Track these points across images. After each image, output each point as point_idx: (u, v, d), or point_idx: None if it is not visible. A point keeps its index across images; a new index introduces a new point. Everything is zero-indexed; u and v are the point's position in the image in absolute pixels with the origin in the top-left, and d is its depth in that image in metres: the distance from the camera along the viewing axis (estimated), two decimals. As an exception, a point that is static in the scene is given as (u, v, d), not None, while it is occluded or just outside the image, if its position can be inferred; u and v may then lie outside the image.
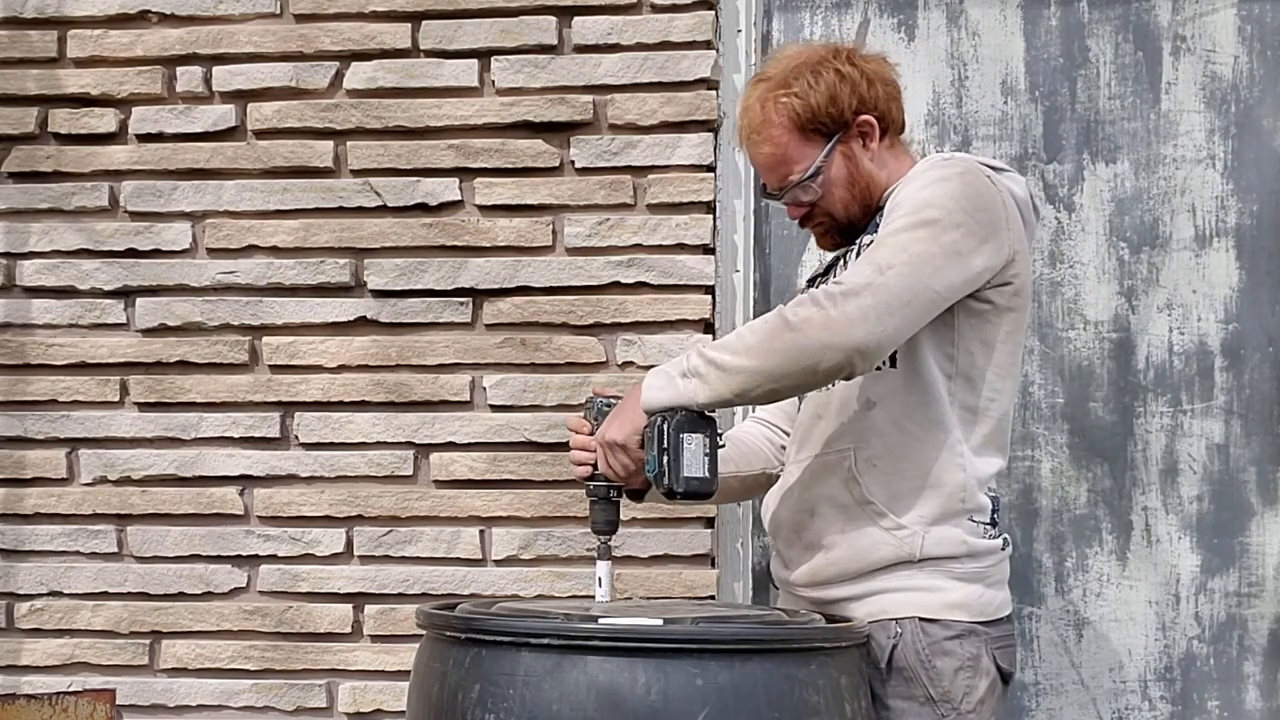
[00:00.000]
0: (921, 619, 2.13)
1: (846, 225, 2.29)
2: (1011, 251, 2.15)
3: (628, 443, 2.12)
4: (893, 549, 2.15)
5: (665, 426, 2.08)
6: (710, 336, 2.90)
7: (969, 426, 2.18)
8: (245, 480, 3.00)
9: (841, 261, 2.31)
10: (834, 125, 2.23)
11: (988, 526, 2.19)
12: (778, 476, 2.41)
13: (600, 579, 2.22)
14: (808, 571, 2.24)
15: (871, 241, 2.17)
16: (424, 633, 2.13)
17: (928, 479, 2.15)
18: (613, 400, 2.22)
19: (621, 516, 2.25)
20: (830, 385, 2.21)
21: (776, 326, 2.04)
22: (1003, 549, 2.21)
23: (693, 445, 2.08)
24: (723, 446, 2.16)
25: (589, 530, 2.24)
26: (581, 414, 2.28)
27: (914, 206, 2.10)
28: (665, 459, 2.07)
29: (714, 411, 2.13)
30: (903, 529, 2.15)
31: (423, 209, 2.98)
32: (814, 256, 2.99)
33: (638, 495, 2.25)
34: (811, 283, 2.40)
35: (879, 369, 2.17)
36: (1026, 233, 2.21)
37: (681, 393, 2.08)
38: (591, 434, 2.22)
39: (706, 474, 2.10)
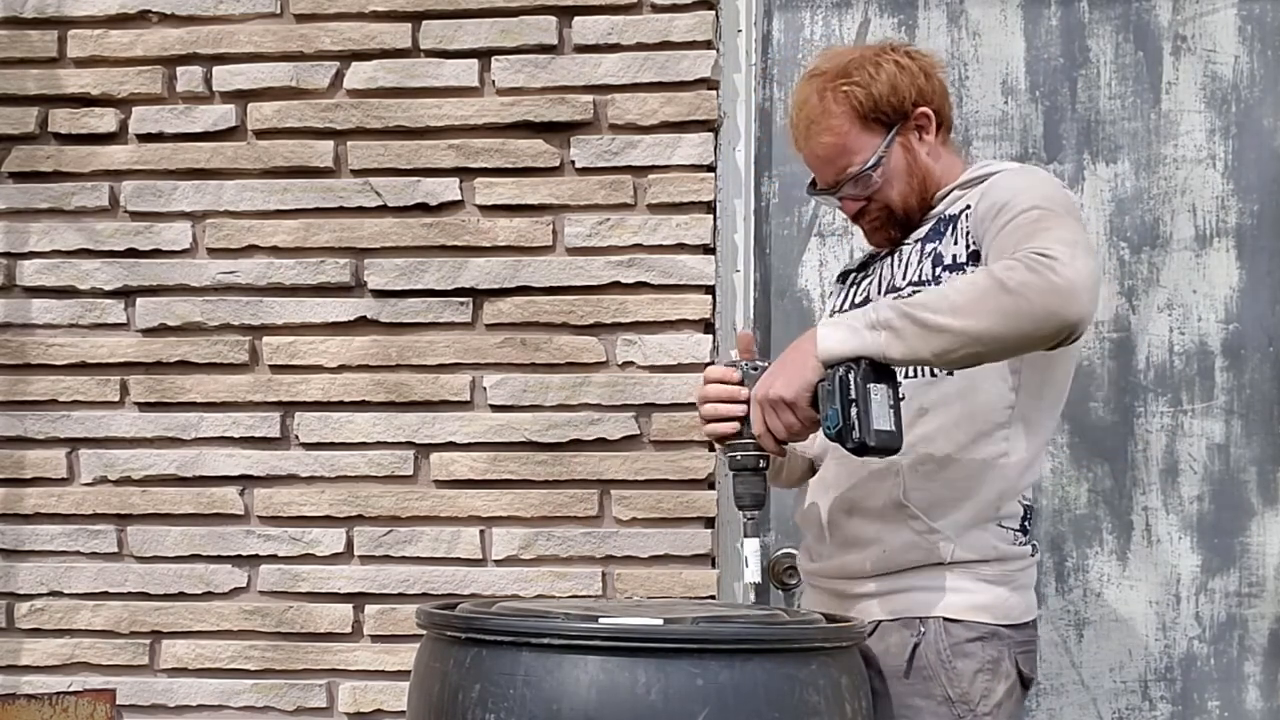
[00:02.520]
0: (946, 619, 2.13)
1: (903, 218, 2.26)
2: None
3: (797, 399, 2.01)
4: (924, 553, 2.15)
5: (851, 377, 1.95)
6: (710, 337, 2.90)
7: (1023, 439, 2.17)
8: (245, 480, 3.00)
9: (891, 260, 2.27)
10: (894, 115, 2.22)
11: (1017, 533, 2.18)
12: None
13: (746, 559, 2.09)
14: (839, 566, 2.23)
15: (928, 241, 2.17)
16: (424, 632, 2.12)
17: (969, 488, 2.15)
18: (760, 364, 2.07)
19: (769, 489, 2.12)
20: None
21: (989, 288, 1.94)
22: (1031, 555, 2.21)
23: (879, 396, 1.97)
24: (904, 399, 2.06)
25: (737, 505, 2.07)
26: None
27: (1032, 200, 2.05)
28: (854, 410, 1.95)
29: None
30: (935, 533, 2.15)
31: (423, 209, 2.98)
32: (814, 256, 2.99)
33: (758, 471, 2.09)
34: (844, 279, 2.38)
35: (934, 375, 2.15)
36: None
37: (868, 344, 1.98)
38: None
39: (893, 428, 1.98)
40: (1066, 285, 1.92)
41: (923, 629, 2.13)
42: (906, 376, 2.15)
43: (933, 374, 2.15)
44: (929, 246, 2.20)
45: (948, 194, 2.24)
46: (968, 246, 2.15)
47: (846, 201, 2.27)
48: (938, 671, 2.11)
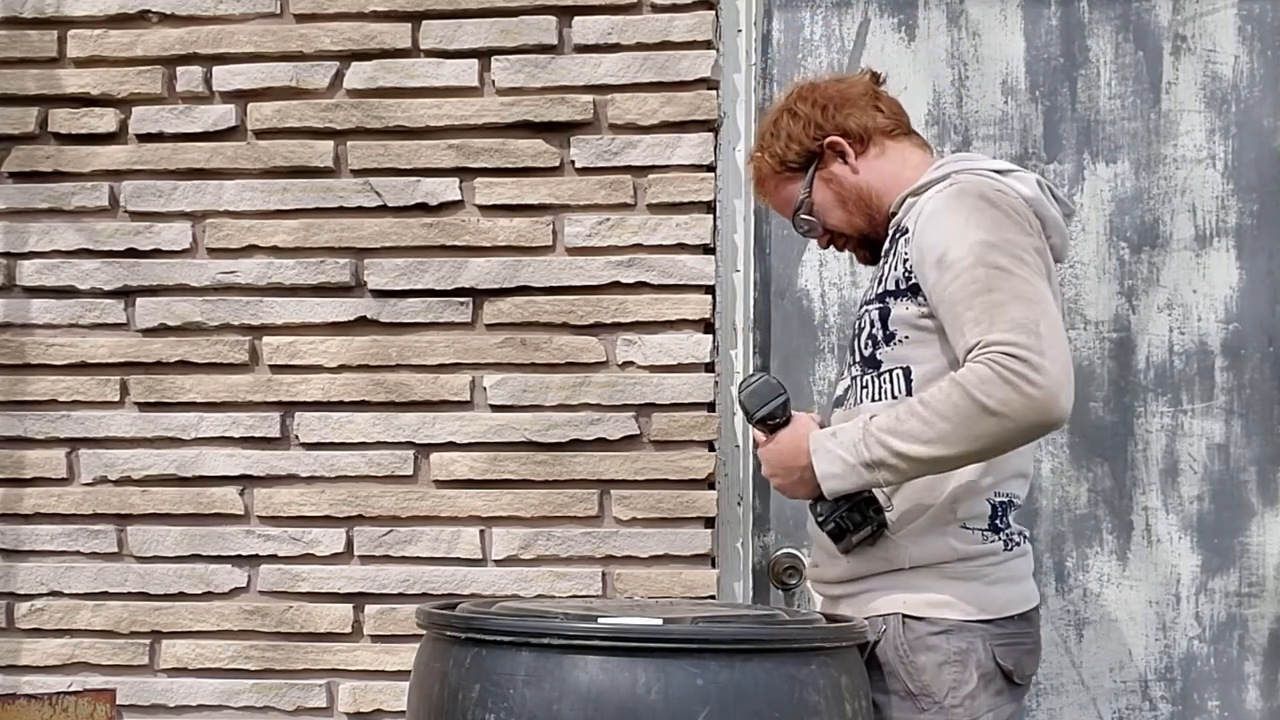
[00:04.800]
0: (905, 616, 2.18)
1: (862, 239, 2.39)
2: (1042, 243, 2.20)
3: (796, 496, 2.25)
4: (883, 561, 2.22)
5: (851, 512, 2.18)
6: (710, 337, 2.90)
7: None
8: (245, 480, 3.00)
9: (877, 280, 2.30)
10: (802, 161, 2.37)
11: (986, 532, 2.21)
12: None
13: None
14: (818, 573, 2.35)
15: (886, 256, 2.25)
16: (424, 632, 2.13)
17: (920, 493, 2.20)
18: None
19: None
20: (853, 401, 2.29)
21: (972, 411, 2.01)
22: (1006, 549, 2.22)
23: (865, 530, 2.20)
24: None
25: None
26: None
27: (975, 255, 2.10)
28: (851, 529, 2.19)
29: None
30: (889, 541, 2.21)
31: (423, 209, 2.98)
32: (814, 256, 2.99)
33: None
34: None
35: (878, 397, 2.23)
36: (1045, 229, 2.24)
37: (867, 481, 2.13)
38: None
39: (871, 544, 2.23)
40: (1046, 395, 1.99)
41: (884, 626, 2.19)
42: (848, 391, 2.30)
43: (877, 395, 2.23)
44: (885, 262, 2.28)
45: (904, 199, 2.30)
46: (907, 277, 2.21)
47: (813, 237, 2.45)
48: (896, 668, 2.16)
